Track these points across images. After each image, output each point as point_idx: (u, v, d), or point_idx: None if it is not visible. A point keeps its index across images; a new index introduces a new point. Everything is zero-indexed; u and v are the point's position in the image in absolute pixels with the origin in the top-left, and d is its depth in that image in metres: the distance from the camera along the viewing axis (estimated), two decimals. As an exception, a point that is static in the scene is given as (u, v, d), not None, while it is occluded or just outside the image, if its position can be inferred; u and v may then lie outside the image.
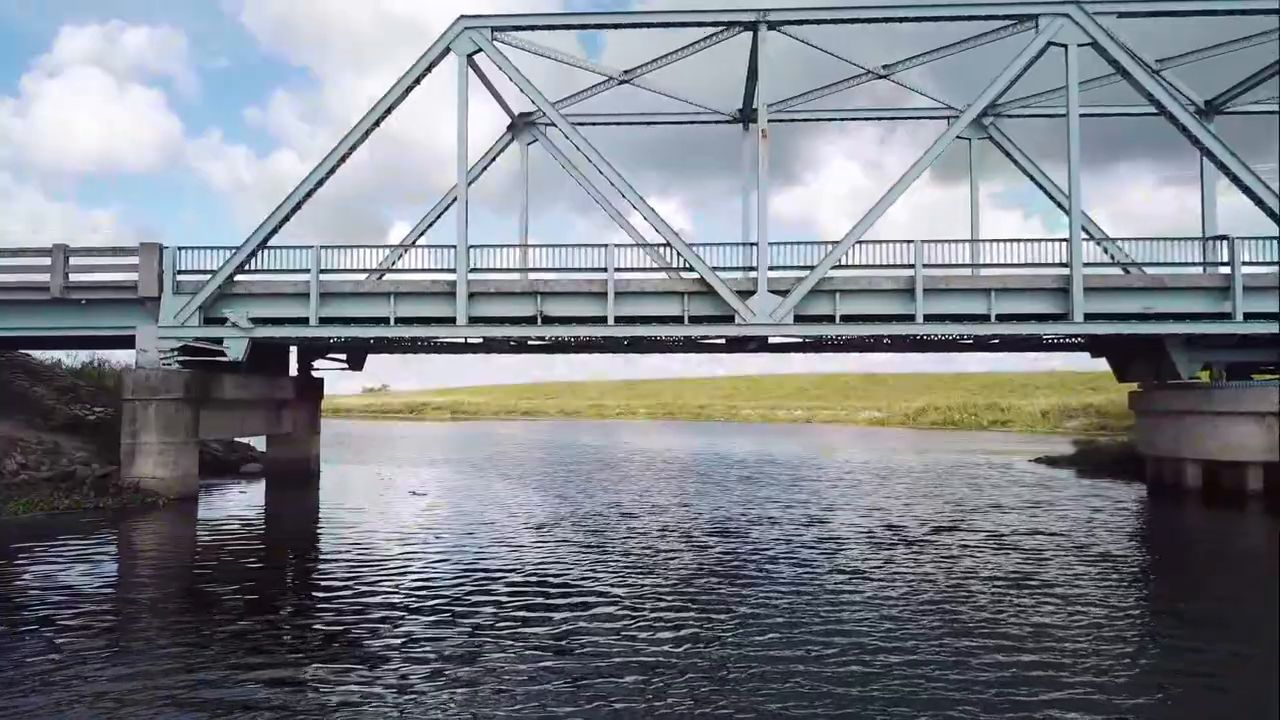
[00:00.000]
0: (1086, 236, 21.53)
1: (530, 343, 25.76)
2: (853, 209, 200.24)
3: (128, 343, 22.48)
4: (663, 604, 10.94)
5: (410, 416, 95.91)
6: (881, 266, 20.89)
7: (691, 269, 20.83)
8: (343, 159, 21.32)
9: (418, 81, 21.35)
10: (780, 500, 21.48)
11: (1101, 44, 19.90)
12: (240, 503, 21.89)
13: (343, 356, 28.96)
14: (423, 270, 22.58)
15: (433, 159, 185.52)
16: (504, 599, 11.20)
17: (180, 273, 21.65)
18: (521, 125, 26.05)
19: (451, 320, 21.32)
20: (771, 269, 20.78)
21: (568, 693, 7.68)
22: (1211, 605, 11.18)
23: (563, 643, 9.22)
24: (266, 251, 21.64)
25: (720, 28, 21.37)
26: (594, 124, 25.60)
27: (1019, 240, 20.88)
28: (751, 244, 21.51)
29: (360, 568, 13.22)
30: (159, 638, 9.40)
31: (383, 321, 21.79)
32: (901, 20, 20.83)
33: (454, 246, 21.37)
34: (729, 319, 20.93)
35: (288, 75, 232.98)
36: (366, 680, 8.03)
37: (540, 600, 11.12)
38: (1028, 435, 52.30)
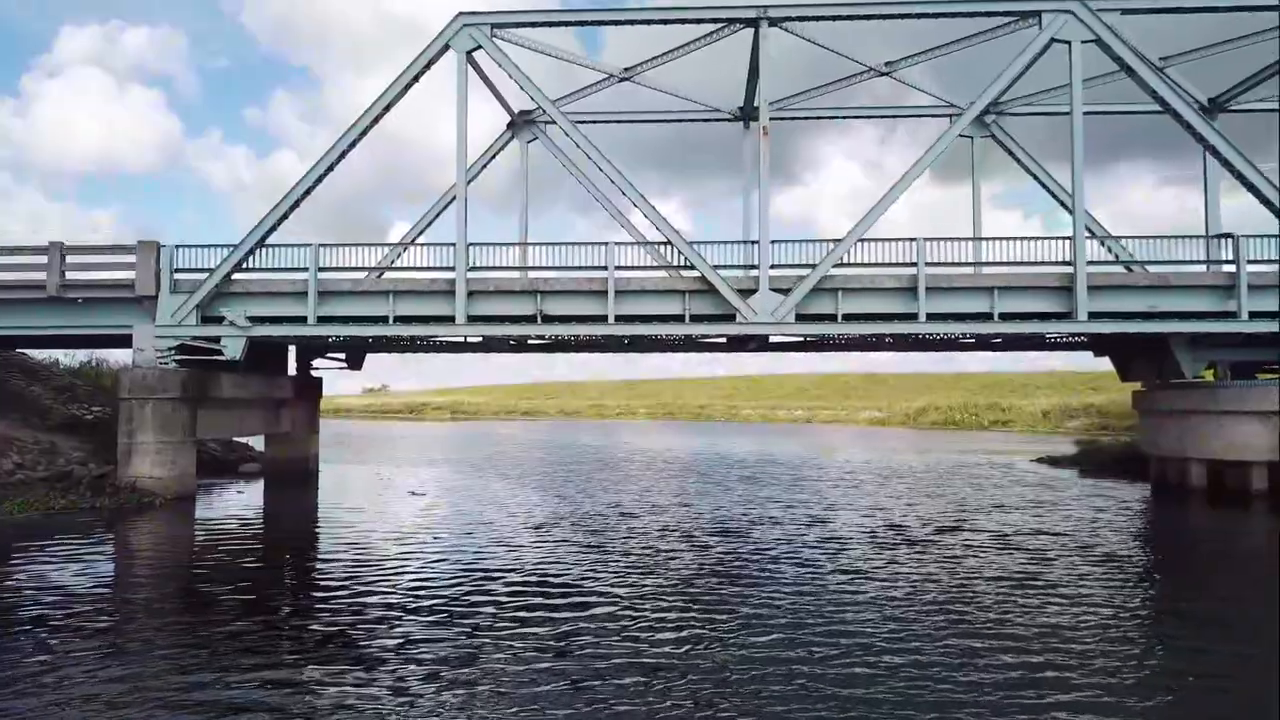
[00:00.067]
0: (1090, 235, 21.43)
1: (530, 342, 25.66)
2: (853, 209, 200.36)
3: (125, 342, 22.35)
4: (663, 604, 10.82)
5: (410, 416, 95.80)
6: (883, 265, 20.77)
7: (692, 267, 20.71)
8: (341, 156, 21.24)
9: (416, 79, 21.26)
10: (781, 500, 21.36)
11: (1105, 41, 19.80)
12: (238, 502, 21.77)
13: (341, 356, 28.85)
14: (422, 269, 22.51)
15: (432, 158, 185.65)
16: (503, 599, 11.09)
17: (178, 271, 21.54)
18: (521, 123, 25.94)
19: (451, 319, 21.21)
20: (773, 267, 20.66)
21: (567, 694, 7.58)
22: (1216, 605, 11.11)
23: (562, 644, 9.11)
24: (264, 250, 21.52)
25: (721, 25, 21.27)
26: (594, 122, 25.40)
27: (1022, 239, 20.82)
28: (753, 242, 21.41)
29: (358, 568, 13.11)
30: (155, 638, 9.29)
31: (381, 320, 21.68)
32: (903, 16, 20.75)
33: (453, 245, 21.27)
34: (730, 318, 20.81)
35: (288, 75, 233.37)
36: (364, 681, 7.93)
37: (539, 601, 11.01)
38: (1029, 435, 52.20)
